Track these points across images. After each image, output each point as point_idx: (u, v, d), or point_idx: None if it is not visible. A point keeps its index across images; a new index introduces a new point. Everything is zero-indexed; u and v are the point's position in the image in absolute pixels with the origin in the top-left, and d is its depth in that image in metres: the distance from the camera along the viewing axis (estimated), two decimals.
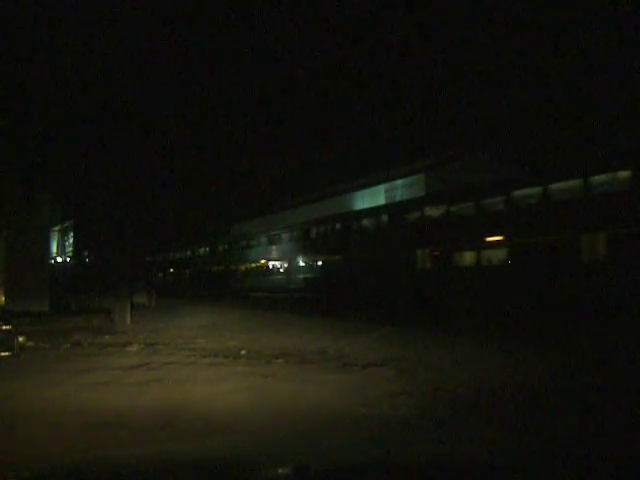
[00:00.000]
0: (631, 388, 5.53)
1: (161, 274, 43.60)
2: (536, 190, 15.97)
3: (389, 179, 29.36)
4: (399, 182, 28.81)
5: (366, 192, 30.68)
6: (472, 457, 1.86)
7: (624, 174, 13.81)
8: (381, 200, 28.59)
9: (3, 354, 8.08)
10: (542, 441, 2.28)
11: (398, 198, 27.11)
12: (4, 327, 8.77)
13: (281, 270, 31.54)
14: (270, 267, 32.72)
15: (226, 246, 39.13)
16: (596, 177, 14.51)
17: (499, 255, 17.14)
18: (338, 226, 25.65)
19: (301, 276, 28.56)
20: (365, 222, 24.19)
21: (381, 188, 29.81)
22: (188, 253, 44.80)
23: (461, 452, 1.94)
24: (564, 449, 2.01)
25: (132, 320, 13.13)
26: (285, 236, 30.82)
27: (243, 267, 35.84)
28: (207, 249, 41.76)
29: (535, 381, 5.91)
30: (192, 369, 6.94)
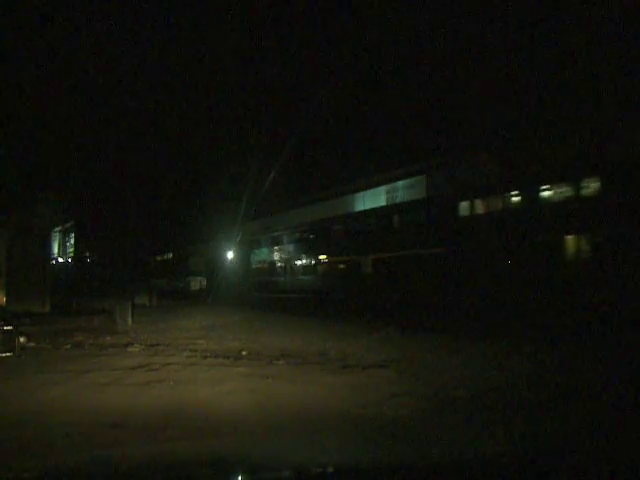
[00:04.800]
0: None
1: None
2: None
3: (390, 181, 29.34)
4: (400, 184, 28.79)
5: (367, 194, 30.63)
6: (472, 458, 1.87)
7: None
8: (382, 202, 28.56)
9: (4, 354, 8.09)
10: (542, 441, 2.29)
11: (399, 200, 27.14)
12: (5, 328, 8.77)
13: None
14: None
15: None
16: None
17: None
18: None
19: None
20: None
21: (382, 190, 29.77)
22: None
23: (462, 453, 1.94)
24: (564, 449, 2.02)
25: (133, 321, 13.13)
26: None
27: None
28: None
29: (534, 381, 5.91)
30: (193, 370, 6.94)
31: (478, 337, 9.26)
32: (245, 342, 9.59)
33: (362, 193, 30.03)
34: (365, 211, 26.90)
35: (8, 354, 8.11)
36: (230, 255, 36.53)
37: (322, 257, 27.44)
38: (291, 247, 30.55)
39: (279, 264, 31.36)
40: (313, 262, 28.20)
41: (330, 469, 1.82)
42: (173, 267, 48.63)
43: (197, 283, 38.04)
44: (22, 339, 8.69)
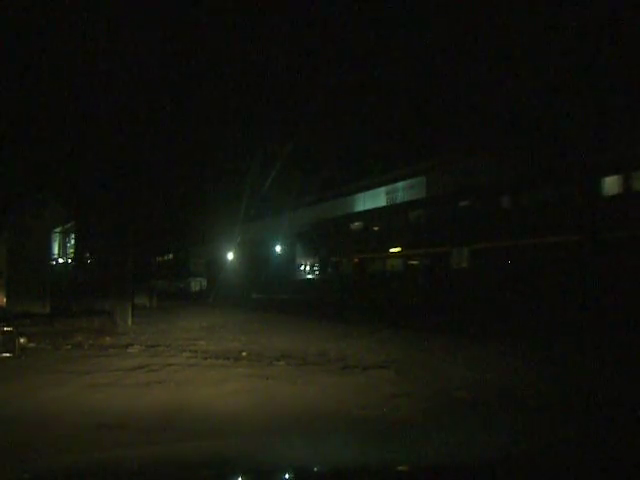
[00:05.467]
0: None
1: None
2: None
3: (390, 181, 29.37)
4: (400, 184, 28.82)
5: (367, 194, 30.68)
6: (473, 459, 1.86)
7: None
8: (382, 202, 28.59)
9: (4, 355, 8.09)
10: (542, 442, 2.28)
11: (399, 200, 27.15)
12: (5, 328, 8.77)
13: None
14: None
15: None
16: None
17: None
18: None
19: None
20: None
21: (382, 190, 29.82)
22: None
23: (462, 454, 1.94)
24: (564, 449, 2.01)
25: (133, 321, 13.13)
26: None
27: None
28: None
29: (534, 382, 5.91)
30: (193, 371, 6.94)
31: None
32: (245, 343, 9.58)
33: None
34: (460, 191, 21.18)
35: (8, 355, 8.10)
36: (230, 256, 36.54)
37: (394, 250, 21.60)
38: (349, 240, 25.00)
39: (332, 260, 26.04)
40: (380, 257, 22.76)
41: (331, 470, 1.82)
42: (174, 268, 48.67)
43: (197, 284, 38.01)
44: (22, 340, 8.68)
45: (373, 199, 29.65)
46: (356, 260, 23.96)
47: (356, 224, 25.27)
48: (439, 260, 18.84)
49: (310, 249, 27.53)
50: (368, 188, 31.05)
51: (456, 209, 19.08)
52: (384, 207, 25.49)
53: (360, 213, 26.33)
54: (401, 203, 24.72)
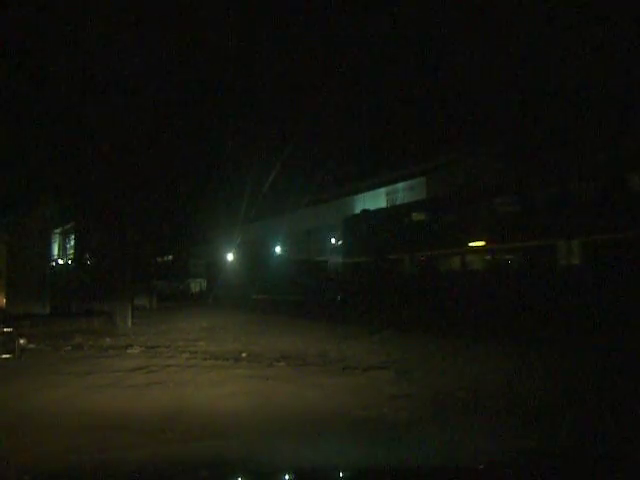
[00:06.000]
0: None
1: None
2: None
3: (390, 182, 29.42)
4: (400, 185, 28.86)
5: (367, 195, 30.72)
6: (472, 459, 1.87)
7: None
8: (382, 203, 28.62)
9: (4, 356, 8.09)
10: (541, 442, 2.29)
11: (399, 201, 27.14)
12: (5, 329, 8.79)
13: None
14: None
15: None
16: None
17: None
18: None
19: None
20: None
21: (382, 191, 29.85)
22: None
23: (462, 454, 1.94)
24: (563, 449, 2.02)
25: (133, 322, 13.13)
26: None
27: None
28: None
29: (534, 383, 5.91)
30: (193, 372, 6.94)
31: None
32: (245, 344, 9.58)
33: None
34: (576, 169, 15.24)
35: (8, 356, 8.11)
36: (230, 257, 36.52)
37: (474, 245, 17.33)
38: (411, 234, 20.30)
39: (389, 258, 20.84)
40: (455, 253, 18.28)
41: (331, 471, 1.82)
42: (173, 269, 48.65)
43: (197, 285, 38.04)
44: (22, 341, 8.70)
45: (373, 200, 29.69)
46: (422, 257, 19.75)
47: (419, 215, 20.70)
48: (538, 256, 14.82)
49: (355, 246, 22.28)
50: (368, 189, 31.10)
51: (564, 191, 14.45)
52: (459, 193, 20.50)
53: (425, 202, 22.03)
54: (484, 186, 19.97)
